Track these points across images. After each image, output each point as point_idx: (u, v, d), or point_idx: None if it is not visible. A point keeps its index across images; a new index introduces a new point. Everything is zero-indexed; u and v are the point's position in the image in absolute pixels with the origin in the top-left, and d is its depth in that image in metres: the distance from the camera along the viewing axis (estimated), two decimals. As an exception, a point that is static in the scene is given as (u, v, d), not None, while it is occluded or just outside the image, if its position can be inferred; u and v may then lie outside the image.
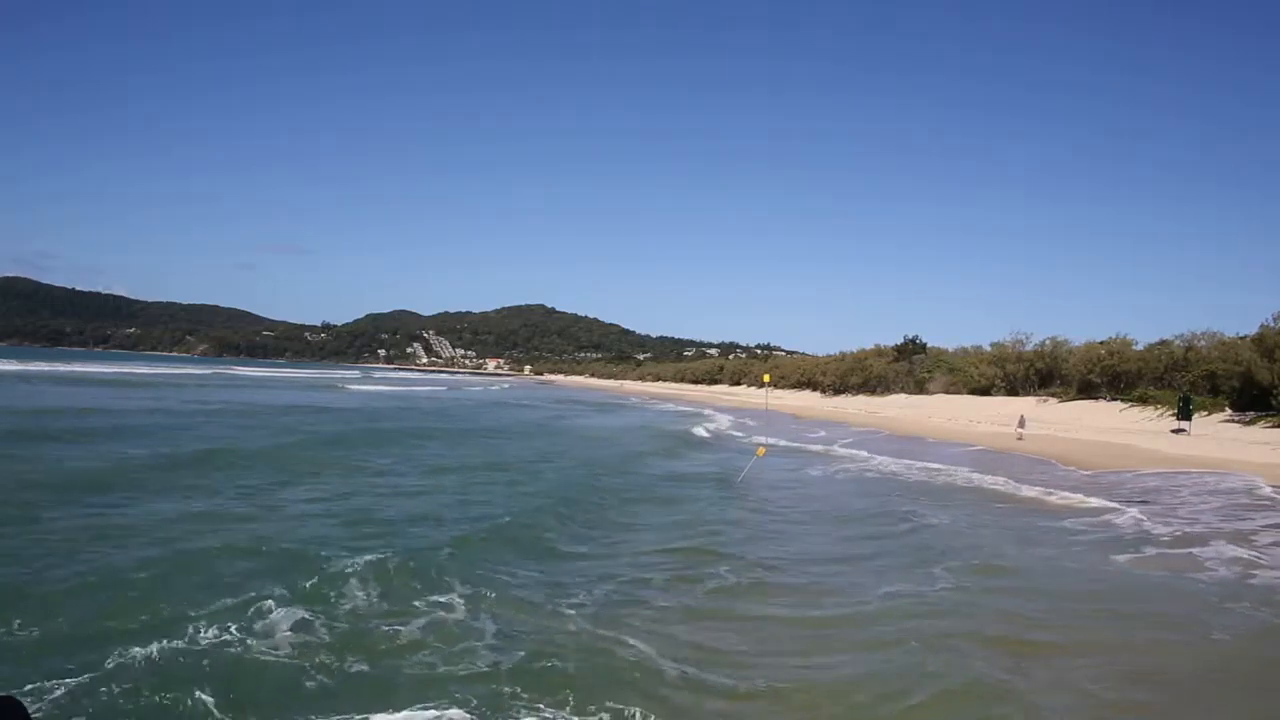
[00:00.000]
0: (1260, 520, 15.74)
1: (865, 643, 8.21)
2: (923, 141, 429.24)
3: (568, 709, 6.44)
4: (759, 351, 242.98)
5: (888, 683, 7.10)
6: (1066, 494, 19.41)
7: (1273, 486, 20.31)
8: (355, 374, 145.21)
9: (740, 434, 37.49)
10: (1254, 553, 12.72)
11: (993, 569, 11.42)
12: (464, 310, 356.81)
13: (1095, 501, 18.11)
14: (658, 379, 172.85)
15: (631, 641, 7.92)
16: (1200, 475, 22.94)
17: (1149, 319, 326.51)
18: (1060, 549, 13.21)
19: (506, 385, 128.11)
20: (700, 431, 38.59)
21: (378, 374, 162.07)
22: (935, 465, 25.57)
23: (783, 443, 32.40)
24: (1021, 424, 37.99)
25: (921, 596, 9.90)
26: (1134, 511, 16.51)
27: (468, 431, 32.57)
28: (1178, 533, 14.48)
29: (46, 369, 78.97)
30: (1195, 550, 12.99)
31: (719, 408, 68.09)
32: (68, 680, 6.46)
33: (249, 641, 7.51)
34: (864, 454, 29.37)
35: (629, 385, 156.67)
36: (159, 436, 24.00)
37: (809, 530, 14.74)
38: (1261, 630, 8.97)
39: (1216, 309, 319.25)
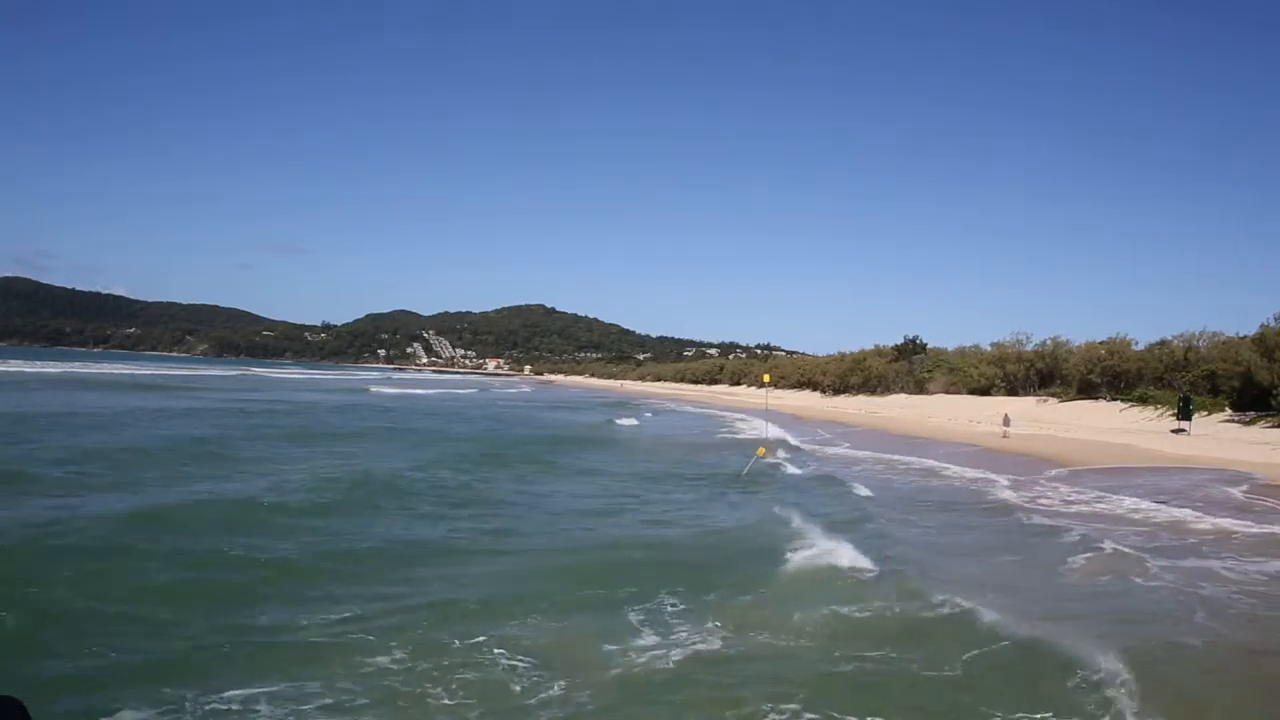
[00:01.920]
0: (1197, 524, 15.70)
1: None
2: (923, 141, 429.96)
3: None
4: (759, 351, 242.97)
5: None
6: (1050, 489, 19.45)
7: (1244, 492, 20.33)
8: (374, 375, 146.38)
9: (818, 446, 34.39)
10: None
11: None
12: (464, 310, 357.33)
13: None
14: (658, 379, 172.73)
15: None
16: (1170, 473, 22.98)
17: (1149, 319, 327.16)
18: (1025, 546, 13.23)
19: (528, 388, 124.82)
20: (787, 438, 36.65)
21: (395, 375, 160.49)
22: (932, 463, 25.65)
23: (787, 441, 32.42)
24: (1006, 422, 38.89)
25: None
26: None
27: (605, 441, 32.52)
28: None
29: (90, 371, 77.97)
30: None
31: (742, 410, 65.72)
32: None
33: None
34: (862, 453, 29.56)
35: (629, 385, 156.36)
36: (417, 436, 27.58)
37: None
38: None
39: (1216, 309, 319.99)
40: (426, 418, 40.80)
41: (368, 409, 45.55)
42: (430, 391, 79.46)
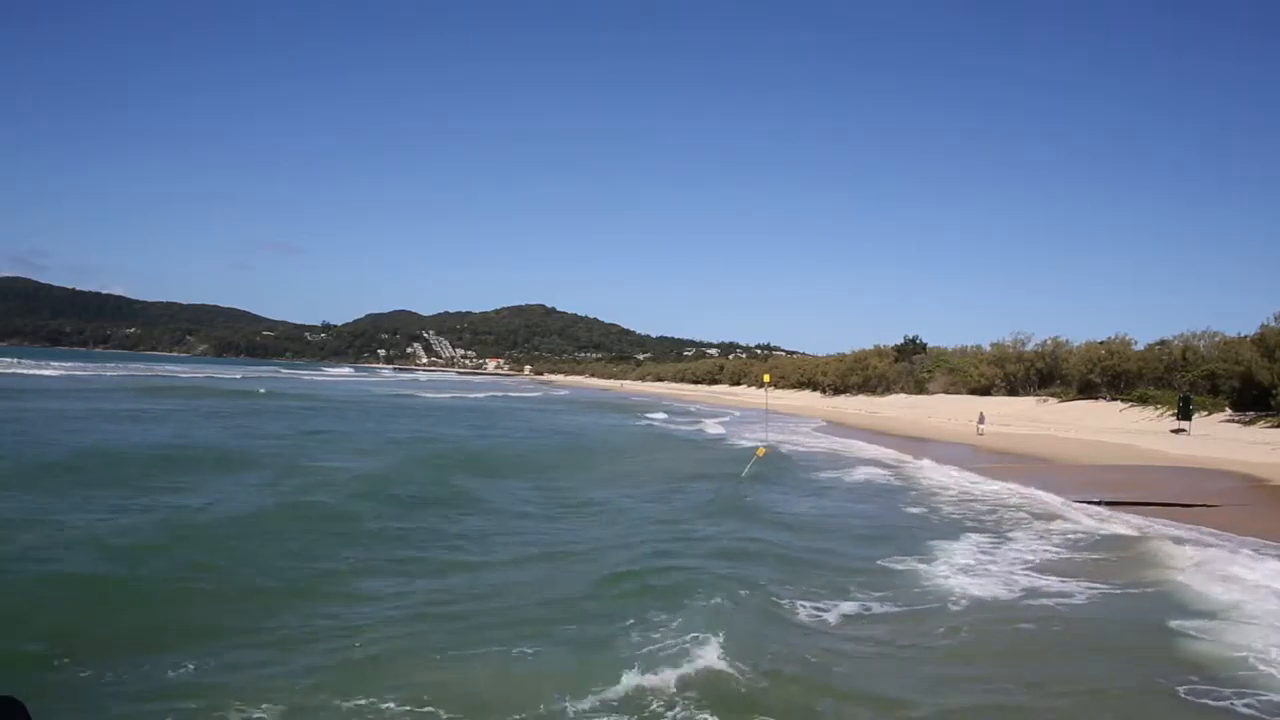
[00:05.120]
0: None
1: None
2: (923, 141, 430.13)
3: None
4: (759, 351, 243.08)
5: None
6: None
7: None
8: (404, 377, 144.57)
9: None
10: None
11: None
12: (464, 310, 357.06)
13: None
14: (658, 379, 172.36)
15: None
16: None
17: (1149, 319, 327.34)
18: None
19: (565, 392, 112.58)
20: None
21: (422, 378, 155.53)
22: (931, 464, 25.60)
23: (787, 443, 32.43)
24: (981, 420, 40.08)
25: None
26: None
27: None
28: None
29: (146, 374, 75.47)
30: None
31: (790, 415, 60.40)
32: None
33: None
34: (861, 445, 29.53)
35: (629, 385, 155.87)
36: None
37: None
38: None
39: (1216, 309, 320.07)
40: (571, 434, 38.57)
41: (492, 413, 46.03)
42: (494, 394, 77.54)
